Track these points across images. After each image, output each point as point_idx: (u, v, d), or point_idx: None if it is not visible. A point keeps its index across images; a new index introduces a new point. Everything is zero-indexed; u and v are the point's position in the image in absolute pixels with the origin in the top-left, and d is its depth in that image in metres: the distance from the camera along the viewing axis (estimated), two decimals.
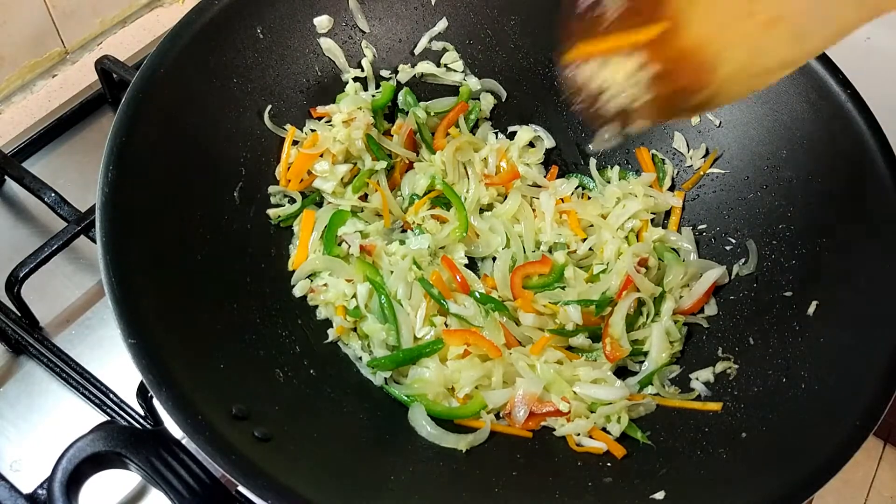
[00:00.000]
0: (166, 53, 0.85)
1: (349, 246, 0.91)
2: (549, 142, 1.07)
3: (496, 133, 1.07)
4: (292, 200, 0.94)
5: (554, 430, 0.85)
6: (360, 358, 0.88)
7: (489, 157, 1.02)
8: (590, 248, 0.98)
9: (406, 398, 0.85)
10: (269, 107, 0.94)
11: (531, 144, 1.07)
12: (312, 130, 0.97)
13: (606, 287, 0.93)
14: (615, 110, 0.63)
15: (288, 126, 0.95)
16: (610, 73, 0.60)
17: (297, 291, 0.90)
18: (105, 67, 1.09)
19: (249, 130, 0.92)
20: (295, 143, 0.95)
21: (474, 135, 1.05)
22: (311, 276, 0.91)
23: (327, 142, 0.95)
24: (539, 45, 1.06)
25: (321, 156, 0.95)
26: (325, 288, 0.90)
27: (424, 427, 0.82)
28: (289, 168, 0.94)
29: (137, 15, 1.29)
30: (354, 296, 0.89)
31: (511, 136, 1.07)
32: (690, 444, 0.80)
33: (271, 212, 0.92)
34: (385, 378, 0.86)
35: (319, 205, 0.97)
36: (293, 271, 0.91)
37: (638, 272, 0.92)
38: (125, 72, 1.07)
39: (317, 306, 0.90)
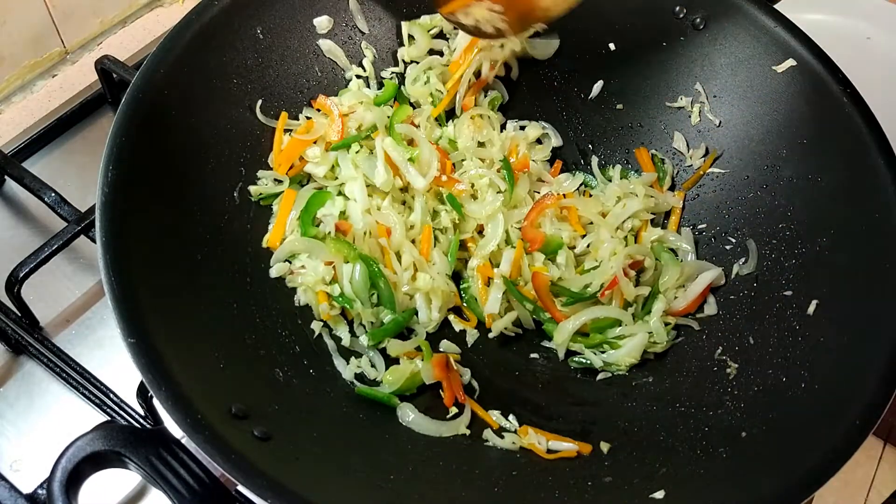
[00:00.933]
0: (166, 53, 0.85)
1: (326, 227, 0.90)
2: (556, 140, 1.07)
3: (504, 125, 1.07)
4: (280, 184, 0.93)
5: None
6: (338, 350, 0.87)
7: (504, 143, 1.02)
8: (587, 245, 0.98)
9: (386, 397, 0.84)
10: (261, 101, 0.93)
11: (538, 141, 1.07)
12: (308, 118, 0.97)
13: (590, 282, 0.93)
14: (490, 32, 0.95)
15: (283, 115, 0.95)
16: (476, 14, 0.94)
17: (274, 272, 0.88)
18: (105, 67, 1.09)
19: (250, 131, 0.93)
20: (290, 132, 0.95)
21: None
22: (290, 258, 0.90)
23: (322, 128, 0.95)
24: None
25: (315, 143, 0.94)
26: (303, 270, 0.88)
27: (418, 423, 0.82)
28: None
29: (137, 15, 1.29)
30: (334, 280, 0.88)
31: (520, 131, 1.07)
32: (690, 443, 0.80)
33: (253, 189, 0.91)
34: (355, 376, 0.86)
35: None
36: (268, 250, 0.89)
37: (626, 274, 0.92)
38: (125, 72, 1.08)
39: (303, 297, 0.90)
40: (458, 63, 1.03)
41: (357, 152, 0.95)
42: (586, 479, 0.78)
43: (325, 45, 1.00)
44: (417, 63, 1.04)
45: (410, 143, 0.98)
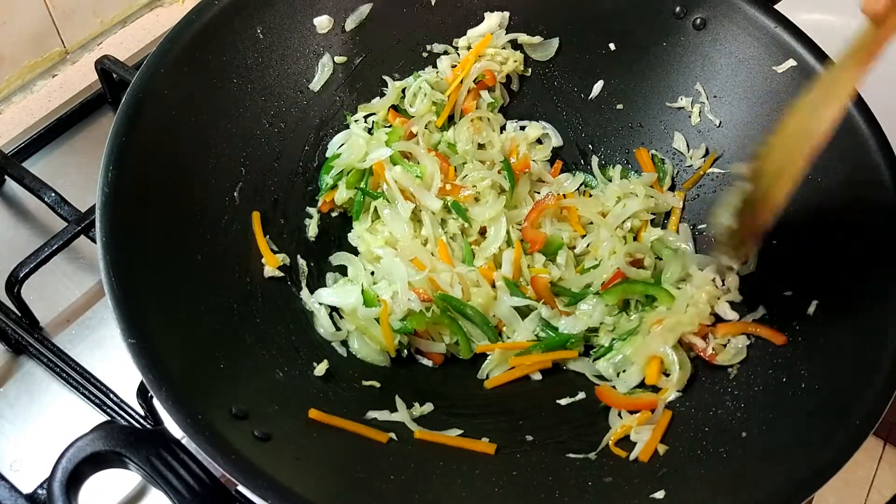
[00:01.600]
0: (166, 53, 0.85)
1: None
2: (556, 140, 1.07)
3: (504, 126, 1.07)
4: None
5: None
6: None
7: (504, 143, 1.02)
8: (587, 245, 0.98)
9: None
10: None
11: (539, 141, 1.07)
12: None
13: (591, 281, 0.93)
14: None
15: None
16: None
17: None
18: (105, 67, 1.09)
19: (249, 130, 0.92)
20: None
21: None
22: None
23: None
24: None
25: None
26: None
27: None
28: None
29: (137, 15, 1.29)
30: None
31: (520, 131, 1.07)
32: (690, 443, 0.80)
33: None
34: None
35: None
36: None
37: None
38: (125, 72, 1.07)
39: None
40: (456, 74, 1.02)
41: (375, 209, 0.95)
42: (586, 479, 0.78)
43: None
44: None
45: (409, 156, 0.98)
